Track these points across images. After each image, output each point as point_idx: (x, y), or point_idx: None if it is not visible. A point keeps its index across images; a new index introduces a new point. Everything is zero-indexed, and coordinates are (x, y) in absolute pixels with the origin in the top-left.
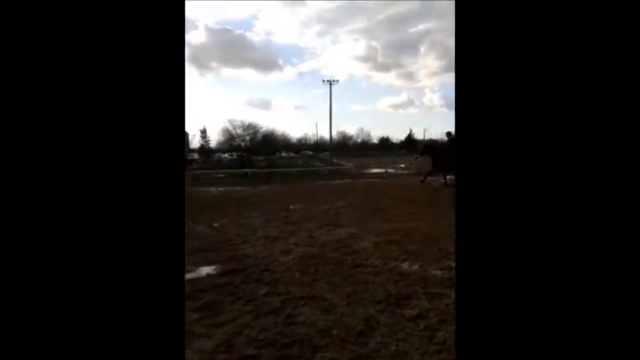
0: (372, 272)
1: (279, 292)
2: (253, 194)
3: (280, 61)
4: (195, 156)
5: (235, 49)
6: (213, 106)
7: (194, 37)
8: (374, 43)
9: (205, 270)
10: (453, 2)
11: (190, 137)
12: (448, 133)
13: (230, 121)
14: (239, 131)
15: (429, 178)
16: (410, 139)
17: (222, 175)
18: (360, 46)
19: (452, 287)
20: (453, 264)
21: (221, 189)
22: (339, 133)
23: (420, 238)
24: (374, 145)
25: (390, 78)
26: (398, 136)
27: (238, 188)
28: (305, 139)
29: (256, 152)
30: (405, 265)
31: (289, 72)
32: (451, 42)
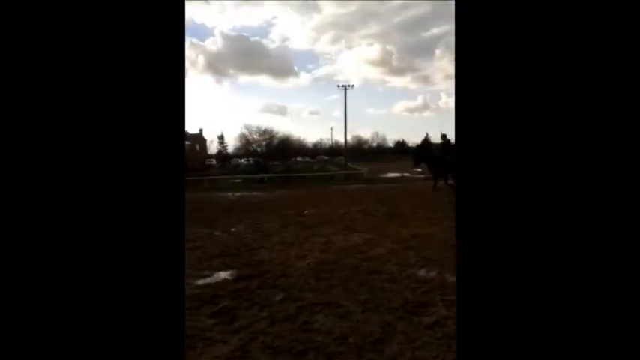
0: (389, 279)
1: (294, 298)
2: (269, 199)
3: (295, 68)
4: (213, 161)
5: (251, 55)
6: (231, 112)
7: (211, 44)
8: (389, 47)
9: (222, 275)
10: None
11: (208, 143)
12: (443, 136)
13: (247, 127)
14: (255, 137)
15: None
16: (426, 143)
17: (238, 181)
18: (375, 51)
19: None
20: None
21: (238, 194)
22: (354, 137)
23: (438, 244)
24: (389, 149)
25: (405, 82)
26: (414, 139)
27: (255, 193)
28: (320, 143)
29: (272, 157)
30: (422, 272)
31: (304, 78)
32: None
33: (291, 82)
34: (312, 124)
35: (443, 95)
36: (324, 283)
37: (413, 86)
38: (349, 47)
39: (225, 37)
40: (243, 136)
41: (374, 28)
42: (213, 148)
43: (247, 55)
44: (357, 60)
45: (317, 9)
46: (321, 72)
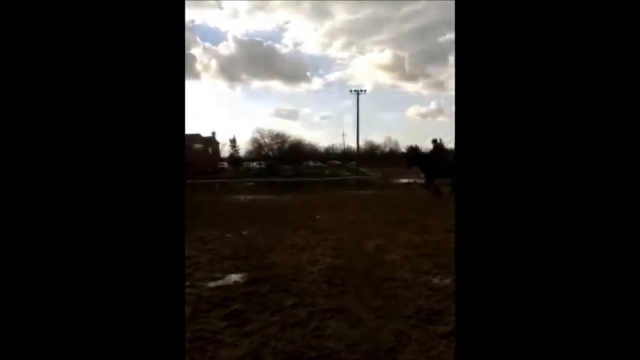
0: (402, 286)
1: (306, 303)
2: (280, 203)
3: (307, 73)
4: (225, 164)
5: (264, 60)
6: (243, 116)
7: (224, 48)
8: (401, 53)
9: (233, 277)
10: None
11: (220, 146)
12: (433, 141)
13: (259, 131)
14: (267, 141)
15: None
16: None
17: (250, 184)
18: (387, 57)
19: None
20: None
21: (249, 197)
22: (366, 142)
23: (452, 251)
24: (402, 154)
25: (418, 87)
26: (427, 145)
27: (266, 197)
28: (332, 148)
29: (284, 161)
30: (436, 280)
31: (316, 83)
32: None
33: (302, 87)
34: (324, 129)
35: None
36: (336, 288)
37: (426, 92)
38: (361, 53)
39: (238, 41)
40: (255, 140)
41: (386, 34)
42: (225, 151)
43: (260, 60)
44: (369, 65)
45: (329, 14)
46: (332, 77)
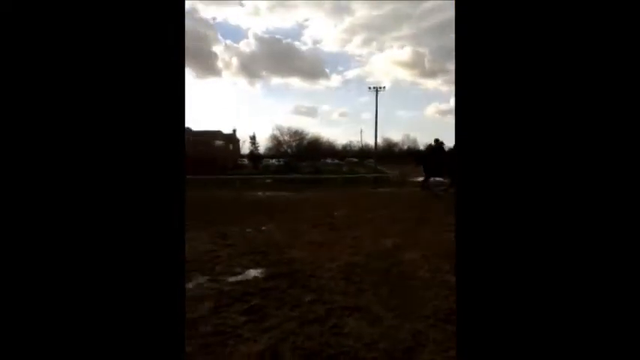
0: (421, 286)
1: (324, 300)
2: (299, 199)
3: (326, 70)
4: (245, 161)
5: (284, 58)
6: (262, 113)
7: (245, 45)
8: (421, 50)
9: (253, 273)
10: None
11: (241, 143)
12: (436, 140)
13: (278, 128)
14: (286, 138)
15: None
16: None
17: (269, 180)
18: (406, 53)
19: None
20: None
21: (268, 193)
22: (384, 139)
23: None
24: (420, 152)
25: (437, 84)
26: (446, 142)
27: (284, 193)
28: (349, 145)
29: (302, 158)
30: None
31: (335, 80)
32: None
33: (321, 84)
34: (342, 126)
35: None
36: (354, 286)
37: (445, 89)
38: (380, 49)
39: (258, 39)
40: (274, 137)
41: (406, 31)
42: (245, 148)
43: (280, 57)
44: (388, 62)
45: (349, 11)
46: (351, 74)
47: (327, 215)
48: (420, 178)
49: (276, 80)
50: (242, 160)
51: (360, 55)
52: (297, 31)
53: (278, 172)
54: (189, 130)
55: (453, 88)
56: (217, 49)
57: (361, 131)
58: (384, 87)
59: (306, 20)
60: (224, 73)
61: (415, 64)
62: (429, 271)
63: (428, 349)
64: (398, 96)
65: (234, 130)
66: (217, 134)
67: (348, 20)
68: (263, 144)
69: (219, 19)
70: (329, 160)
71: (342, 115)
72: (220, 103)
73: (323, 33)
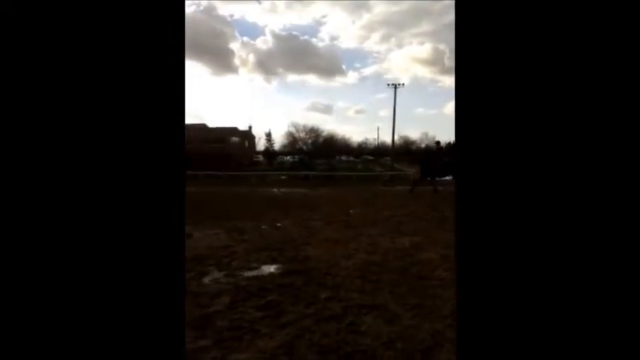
0: (439, 285)
1: (340, 297)
2: (314, 196)
3: (343, 66)
4: (261, 158)
5: (301, 54)
6: (278, 110)
7: (262, 42)
8: (441, 47)
9: (268, 269)
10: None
11: (256, 140)
12: (437, 142)
13: (294, 125)
14: (302, 135)
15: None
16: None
17: (284, 177)
18: (426, 50)
19: None
20: None
21: (283, 190)
22: (401, 137)
23: None
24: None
25: None
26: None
27: (299, 190)
28: (365, 143)
29: (317, 155)
30: None
31: (352, 76)
32: None
33: (338, 80)
34: (358, 123)
35: None
36: (371, 285)
37: None
38: (399, 46)
39: (275, 35)
40: (289, 134)
41: (425, 27)
42: (261, 144)
43: (296, 54)
44: (407, 59)
45: (367, 7)
46: (369, 71)
47: (342, 213)
48: (438, 177)
49: (292, 77)
50: (257, 157)
51: (377, 52)
52: (315, 28)
53: (293, 168)
54: (205, 126)
55: None
56: (234, 46)
57: (378, 129)
58: (403, 84)
59: (324, 17)
60: (241, 70)
61: (435, 61)
62: (447, 271)
63: (445, 348)
64: (416, 93)
65: (250, 127)
66: (233, 131)
67: (366, 17)
68: (278, 141)
69: (236, 17)
70: (344, 158)
71: (358, 112)
72: (237, 100)
73: (341, 29)
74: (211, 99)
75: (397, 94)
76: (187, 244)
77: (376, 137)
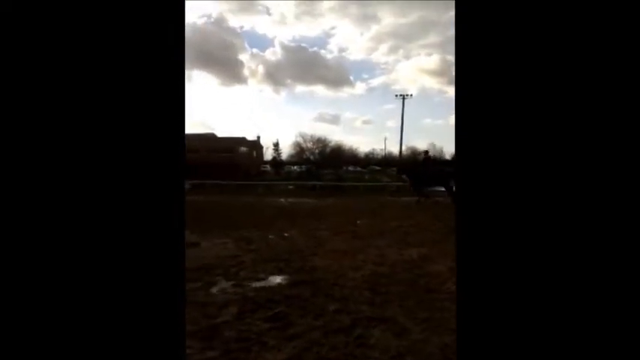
0: (448, 298)
1: (349, 310)
2: (321, 206)
3: (351, 77)
4: (268, 167)
5: (309, 66)
6: (286, 120)
7: (271, 54)
8: (448, 57)
9: (276, 279)
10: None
11: (264, 150)
12: (425, 152)
13: (301, 135)
14: (309, 145)
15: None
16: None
17: (291, 187)
18: (433, 61)
19: None
20: None
21: (290, 200)
22: (408, 148)
23: None
24: (447, 161)
25: None
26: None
27: (306, 200)
28: (372, 153)
29: (324, 165)
30: None
31: (359, 87)
32: None
33: (346, 91)
34: (365, 134)
35: None
36: (379, 297)
37: None
38: (407, 57)
39: (284, 47)
40: (297, 144)
41: (433, 38)
42: (268, 154)
43: (305, 65)
44: (415, 70)
45: (376, 19)
46: (376, 82)
47: (349, 223)
48: (442, 188)
49: (300, 88)
50: (265, 167)
51: (385, 63)
52: (323, 40)
53: (300, 178)
54: (214, 136)
55: None
56: (244, 57)
57: (385, 139)
58: (411, 94)
59: (333, 29)
60: (250, 80)
61: (442, 72)
62: (456, 284)
63: None
64: (424, 104)
65: (258, 137)
66: (241, 141)
67: (374, 28)
68: (286, 151)
69: (246, 28)
70: (351, 168)
71: (365, 122)
72: (245, 110)
73: (349, 41)
74: (221, 109)
75: (404, 104)
76: (195, 253)
77: (383, 148)
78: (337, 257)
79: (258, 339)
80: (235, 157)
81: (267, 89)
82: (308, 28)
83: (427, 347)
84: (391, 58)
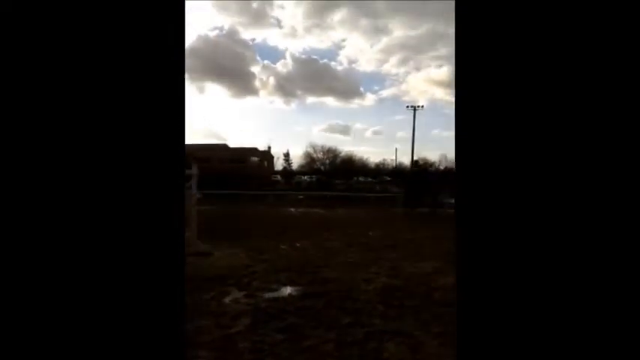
0: None
1: (362, 323)
2: (332, 217)
3: (362, 89)
4: (279, 177)
5: (319, 78)
6: (297, 131)
7: (281, 66)
8: None
9: (288, 290)
10: None
11: (275, 160)
12: (415, 162)
13: (312, 145)
14: (319, 155)
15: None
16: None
17: (301, 197)
18: (444, 72)
19: None
20: None
21: (301, 210)
22: (420, 158)
23: None
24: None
25: None
26: None
27: (317, 210)
28: (383, 164)
29: (335, 175)
30: None
31: (369, 99)
32: None
33: (356, 102)
34: (376, 144)
35: None
36: (393, 310)
37: None
38: (417, 69)
39: (295, 59)
40: (307, 154)
41: (443, 50)
42: (279, 164)
43: (315, 77)
44: (425, 81)
45: (386, 31)
46: (386, 93)
47: (361, 234)
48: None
49: (311, 99)
50: (275, 177)
51: (395, 75)
52: (334, 52)
53: (310, 188)
54: (226, 146)
55: None
56: (255, 69)
57: (396, 150)
58: (422, 106)
59: (343, 41)
60: (261, 92)
61: (452, 83)
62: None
63: None
64: (434, 115)
65: (269, 148)
66: (253, 151)
67: (384, 40)
68: (296, 161)
69: (257, 40)
70: (362, 178)
71: (375, 133)
72: (257, 121)
73: (359, 53)
74: (232, 120)
75: (415, 115)
76: (207, 262)
77: (394, 158)
78: (349, 269)
79: (272, 350)
80: (247, 167)
81: (278, 100)
82: (318, 41)
83: None
84: (401, 70)
